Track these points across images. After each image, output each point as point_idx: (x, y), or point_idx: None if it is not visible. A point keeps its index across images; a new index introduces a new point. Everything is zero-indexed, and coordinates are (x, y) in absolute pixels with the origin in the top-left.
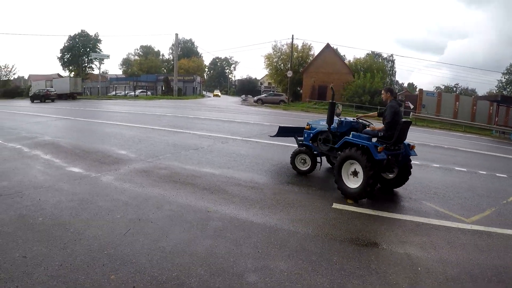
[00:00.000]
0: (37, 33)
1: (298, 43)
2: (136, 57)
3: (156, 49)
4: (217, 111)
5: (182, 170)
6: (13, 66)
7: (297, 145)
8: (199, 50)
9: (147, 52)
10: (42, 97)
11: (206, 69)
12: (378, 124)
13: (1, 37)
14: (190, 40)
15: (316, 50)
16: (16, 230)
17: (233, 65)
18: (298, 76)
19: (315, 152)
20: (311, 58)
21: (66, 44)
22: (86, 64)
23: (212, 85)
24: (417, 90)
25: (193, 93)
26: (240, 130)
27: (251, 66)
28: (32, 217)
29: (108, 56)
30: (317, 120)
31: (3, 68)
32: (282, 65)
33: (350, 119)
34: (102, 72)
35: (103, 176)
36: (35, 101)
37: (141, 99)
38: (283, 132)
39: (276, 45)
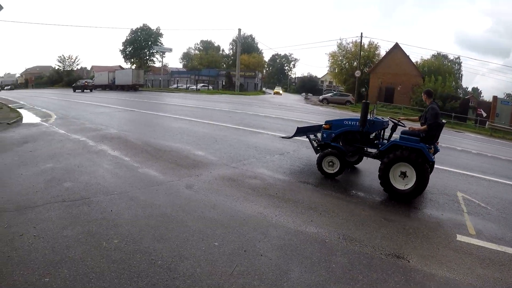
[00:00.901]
0: (100, 26)
1: (364, 42)
2: (196, 51)
3: (216, 44)
4: (284, 109)
5: (275, 180)
6: (76, 57)
7: (311, 146)
8: (259, 46)
9: (207, 47)
10: (82, 87)
11: (266, 66)
12: (408, 124)
13: (66, 29)
14: (251, 36)
15: (381, 50)
16: (85, 256)
17: (292, 62)
18: (364, 76)
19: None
20: (377, 58)
21: (128, 38)
22: (147, 57)
23: (271, 82)
24: (482, 95)
25: (255, 89)
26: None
27: (311, 64)
28: (105, 237)
29: (170, 50)
30: (339, 118)
31: (67, 59)
32: (347, 64)
33: (379, 117)
34: (164, 65)
35: (184, 183)
36: (77, 91)
37: (203, 93)
38: (301, 132)
39: (342, 43)
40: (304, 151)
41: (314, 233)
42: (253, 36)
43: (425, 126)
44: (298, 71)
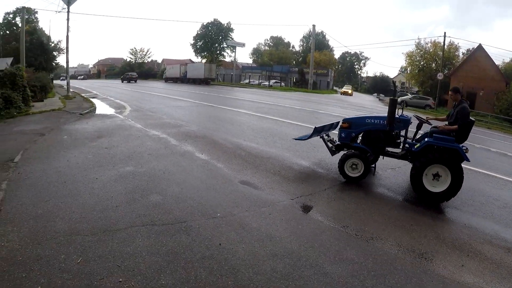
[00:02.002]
0: (171, 19)
1: (442, 41)
2: (266, 47)
3: (286, 40)
4: (368, 111)
5: (421, 212)
6: (148, 50)
7: (326, 147)
8: (330, 43)
9: (278, 43)
10: (128, 79)
11: (336, 64)
12: (434, 122)
13: (139, 22)
14: (322, 32)
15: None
16: None
17: (362, 61)
18: (443, 79)
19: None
20: (457, 60)
21: (199, 32)
22: (218, 52)
23: (340, 81)
24: None
25: (327, 87)
26: None
27: (382, 63)
28: None
29: (243, 45)
30: (359, 116)
31: (139, 52)
32: (425, 65)
33: (404, 115)
34: (233, 60)
35: (300, 204)
36: (124, 81)
37: (276, 89)
38: (318, 132)
39: (420, 43)
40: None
41: None
42: (324, 33)
43: (455, 125)
44: (367, 71)
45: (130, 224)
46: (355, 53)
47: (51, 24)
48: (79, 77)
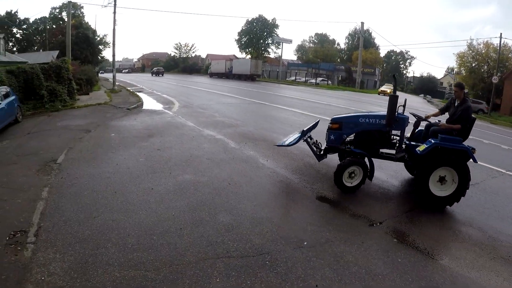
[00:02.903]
0: (216, 14)
1: (495, 43)
2: (311, 44)
3: (331, 38)
4: (423, 113)
5: None
6: (192, 45)
7: (312, 151)
8: (376, 41)
9: (322, 40)
10: (156, 73)
11: (382, 63)
12: (433, 119)
13: (183, 17)
14: (368, 30)
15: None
16: None
17: (408, 60)
18: (496, 82)
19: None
20: (511, 62)
21: (243, 28)
22: (263, 48)
23: (385, 80)
24: None
25: (374, 87)
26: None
27: (429, 63)
28: None
29: (290, 41)
30: (351, 115)
31: (183, 46)
32: (476, 67)
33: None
34: (277, 57)
35: (391, 230)
36: (153, 75)
37: (323, 88)
38: (304, 135)
39: (472, 43)
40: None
41: None
42: (370, 31)
43: (458, 125)
44: (413, 70)
45: (202, 255)
46: (401, 52)
47: (96, 19)
48: (123, 71)
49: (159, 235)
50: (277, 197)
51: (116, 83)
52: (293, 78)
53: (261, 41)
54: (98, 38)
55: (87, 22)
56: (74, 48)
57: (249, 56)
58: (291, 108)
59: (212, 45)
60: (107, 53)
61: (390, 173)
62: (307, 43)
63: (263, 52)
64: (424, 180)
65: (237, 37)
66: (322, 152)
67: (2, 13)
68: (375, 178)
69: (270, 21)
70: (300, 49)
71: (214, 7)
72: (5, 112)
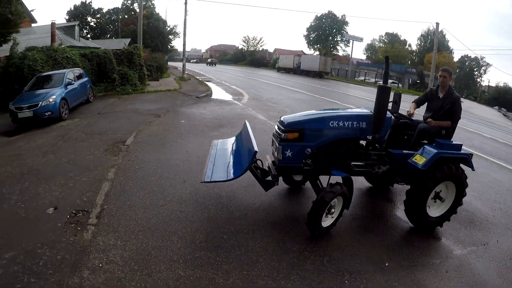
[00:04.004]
0: (285, 8)
1: None
2: (381, 44)
3: (402, 38)
4: (503, 130)
5: None
6: (260, 39)
7: (255, 177)
8: (449, 44)
9: (393, 40)
10: (210, 63)
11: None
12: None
13: (252, 10)
14: (441, 32)
15: None
16: None
17: (483, 68)
18: None
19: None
20: None
21: (312, 24)
22: (331, 45)
23: (457, 87)
24: None
25: None
26: None
27: (508, 72)
28: None
29: (361, 39)
30: (317, 116)
31: (251, 40)
32: None
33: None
34: (346, 55)
35: (477, 260)
36: (207, 65)
37: (393, 90)
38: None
39: None
40: None
41: None
42: (444, 32)
43: (448, 121)
44: (489, 79)
45: (275, 263)
46: (475, 57)
47: (167, 10)
48: (192, 61)
49: (230, 234)
50: (363, 209)
51: (185, 72)
52: (362, 78)
53: (330, 38)
54: (168, 29)
55: (158, 13)
56: (145, 37)
57: (317, 52)
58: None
59: (280, 40)
60: (176, 43)
61: (473, 194)
62: (376, 43)
63: (331, 49)
64: (423, 201)
65: (305, 33)
66: (272, 176)
67: (78, 3)
68: None
69: (340, 17)
70: (370, 48)
71: (283, 1)
72: (77, 91)
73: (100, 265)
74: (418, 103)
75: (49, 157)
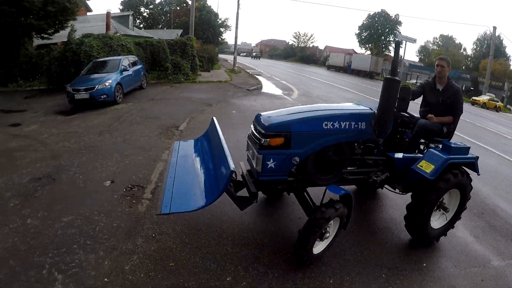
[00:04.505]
0: (337, 5)
1: None
2: (435, 46)
3: (457, 41)
4: None
5: None
6: (311, 35)
7: (230, 196)
8: (507, 51)
9: (447, 43)
10: (255, 56)
11: None
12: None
13: (304, 5)
14: (498, 37)
15: None
16: None
17: None
18: None
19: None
20: None
21: (364, 22)
22: (383, 45)
23: (510, 97)
24: None
25: (502, 102)
26: None
27: None
28: None
29: (414, 40)
30: (304, 115)
31: (302, 36)
32: None
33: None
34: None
35: None
36: (252, 58)
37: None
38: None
39: None
40: None
41: None
42: (501, 38)
43: (450, 116)
44: None
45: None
46: None
47: (219, 2)
48: (241, 54)
49: (275, 220)
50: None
51: (236, 65)
52: (413, 81)
53: (382, 37)
54: (220, 21)
55: (210, 6)
56: (196, 29)
57: (368, 52)
58: (415, 113)
59: (331, 37)
60: (227, 36)
61: None
62: (430, 45)
63: (383, 49)
64: (427, 215)
65: (357, 31)
66: (250, 193)
67: None
68: (501, 209)
69: (393, 17)
70: (423, 50)
71: None
72: (132, 78)
73: (153, 235)
74: (412, 96)
75: (105, 136)
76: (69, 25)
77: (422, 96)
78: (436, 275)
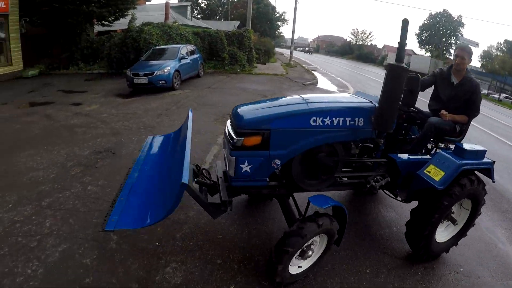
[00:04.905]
0: (397, 3)
1: None
2: (499, 52)
3: None
4: None
5: None
6: (370, 33)
7: (198, 202)
8: None
9: None
10: (306, 51)
11: None
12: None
13: (363, 2)
14: None
15: None
16: None
17: None
18: None
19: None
20: None
21: (425, 22)
22: (444, 47)
23: None
24: None
25: None
26: None
27: None
28: None
29: (477, 44)
30: (288, 110)
31: (360, 33)
32: None
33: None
34: None
35: None
36: (305, 53)
37: (505, 106)
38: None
39: None
40: None
41: None
42: None
43: (464, 115)
44: None
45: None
46: None
47: None
48: (297, 49)
49: None
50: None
51: (292, 59)
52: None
53: (443, 39)
54: (277, 15)
55: None
56: (253, 22)
57: (428, 54)
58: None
59: (390, 36)
60: (283, 30)
61: None
62: (494, 50)
63: (444, 52)
64: (432, 228)
65: (417, 31)
66: (224, 201)
67: None
68: None
69: (456, 18)
70: (486, 55)
71: None
72: (189, 66)
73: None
74: (422, 87)
75: (163, 119)
76: (129, 13)
77: (433, 87)
78: (471, 281)
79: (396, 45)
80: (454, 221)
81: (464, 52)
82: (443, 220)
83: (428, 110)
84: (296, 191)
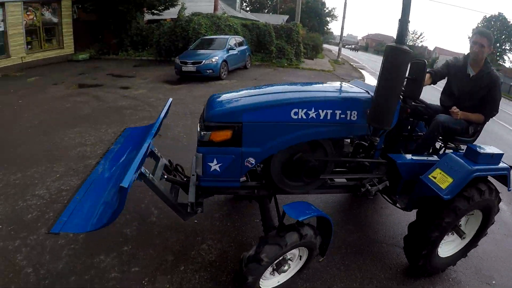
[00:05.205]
0: (451, 4)
1: None
2: None
3: None
4: None
5: None
6: (421, 34)
7: (163, 199)
8: None
9: None
10: (354, 49)
11: None
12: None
13: (416, 2)
14: None
15: None
16: None
17: None
18: None
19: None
20: None
21: (479, 25)
22: (497, 53)
23: None
24: None
25: None
26: None
27: None
28: None
29: None
30: (263, 100)
31: (411, 34)
32: None
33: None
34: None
35: None
36: (351, 50)
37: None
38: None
39: None
40: None
41: None
42: None
43: (480, 114)
44: None
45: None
46: None
47: None
48: (346, 46)
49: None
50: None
51: (340, 56)
52: None
53: (498, 44)
54: (327, 11)
55: None
56: (302, 16)
57: None
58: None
59: (441, 38)
60: (332, 26)
61: None
62: None
63: (497, 58)
64: (435, 242)
65: (470, 35)
66: (192, 203)
67: None
68: None
69: (511, 22)
70: None
71: None
72: (237, 57)
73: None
74: (434, 77)
75: None
76: (179, 3)
77: (446, 79)
78: None
79: (414, 30)
80: (461, 235)
81: (483, 39)
82: (448, 233)
83: (438, 104)
84: (280, 193)
